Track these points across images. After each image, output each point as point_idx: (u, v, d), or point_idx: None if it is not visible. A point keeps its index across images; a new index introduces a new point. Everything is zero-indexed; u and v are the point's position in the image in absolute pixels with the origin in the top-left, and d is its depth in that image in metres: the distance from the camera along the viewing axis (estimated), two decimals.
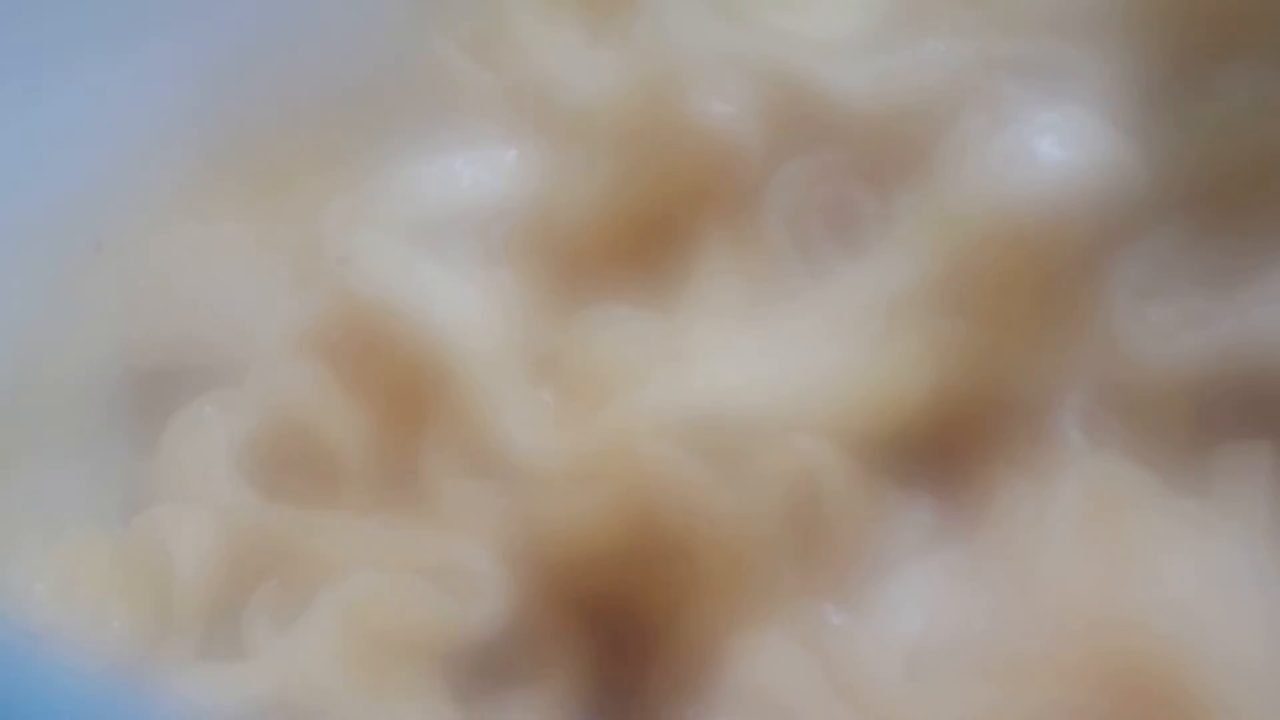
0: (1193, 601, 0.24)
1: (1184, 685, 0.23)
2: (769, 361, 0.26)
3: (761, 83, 0.27)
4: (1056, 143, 0.26)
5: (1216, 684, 0.23)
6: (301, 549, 0.27)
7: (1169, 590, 0.24)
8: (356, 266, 0.27)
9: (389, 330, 0.27)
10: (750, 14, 0.28)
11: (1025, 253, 0.26)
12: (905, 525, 0.26)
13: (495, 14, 0.31)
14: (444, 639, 0.25)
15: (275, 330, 0.28)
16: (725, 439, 0.25)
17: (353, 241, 0.28)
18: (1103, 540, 0.25)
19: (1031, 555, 0.25)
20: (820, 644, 0.25)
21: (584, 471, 0.26)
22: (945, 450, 0.26)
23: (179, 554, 0.26)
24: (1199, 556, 0.24)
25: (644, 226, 0.28)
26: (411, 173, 0.28)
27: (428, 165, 0.28)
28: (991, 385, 0.26)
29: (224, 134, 0.32)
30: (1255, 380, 0.26)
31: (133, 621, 0.26)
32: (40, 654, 0.19)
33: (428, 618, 0.25)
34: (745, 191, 0.27)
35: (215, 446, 0.28)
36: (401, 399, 0.27)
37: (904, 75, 0.27)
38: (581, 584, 0.26)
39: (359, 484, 0.27)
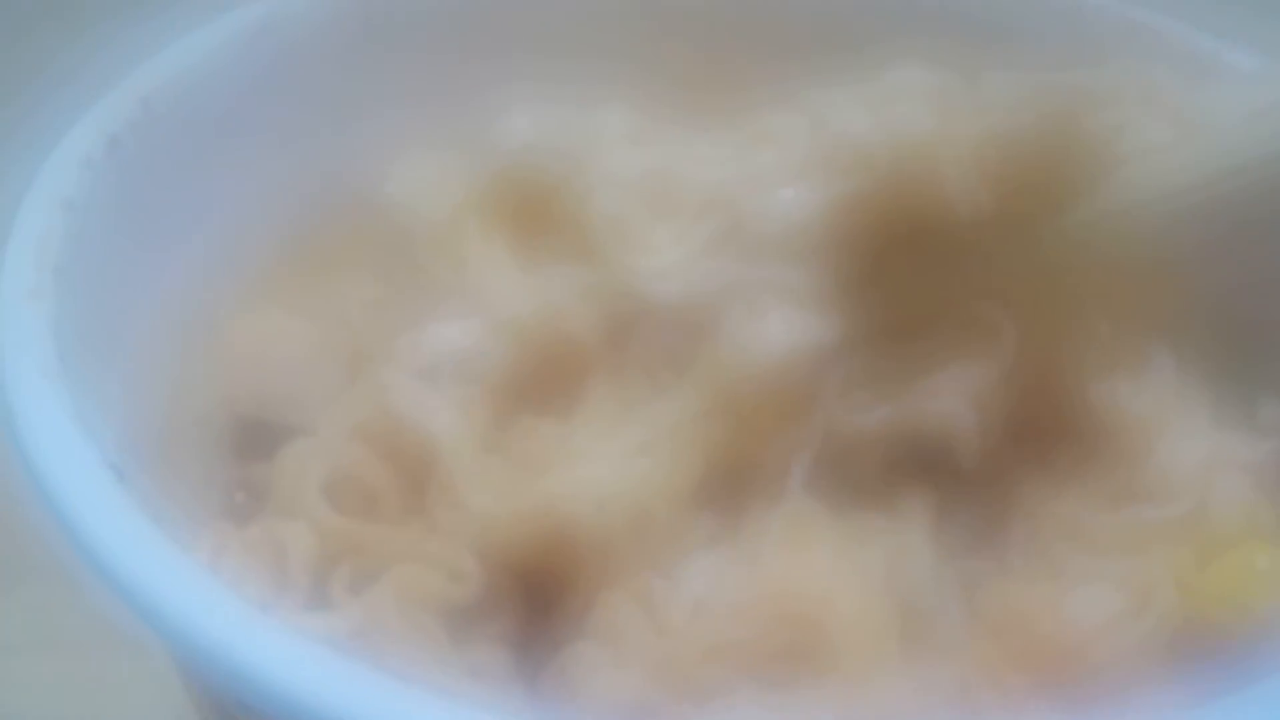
0: (836, 576, 0.31)
1: (821, 623, 0.31)
2: (620, 458, 0.33)
3: (605, 297, 0.35)
4: (781, 325, 0.34)
5: (840, 624, 0.31)
6: (362, 548, 0.32)
7: (824, 569, 0.32)
8: (383, 393, 0.34)
9: (404, 429, 0.34)
10: (607, 255, 0.36)
11: (764, 387, 0.34)
12: (698, 536, 0.33)
13: (454, 239, 0.37)
14: (444, 603, 0.32)
15: (336, 419, 0.34)
16: (596, 499, 0.32)
17: (380, 377, 0.35)
18: (794, 546, 0.32)
19: (758, 554, 0.32)
20: (646, 598, 0.31)
21: (518, 513, 0.33)
22: (723, 493, 0.34)
23: (290, 546, 0.32)
24: (849, 554, 0.32)
25: (550, 375, 0.35)
26: (415, 335, 0.35)
27: (424, 331, 0.35)
28: (748, 457, 0.34)
29: (295, 246, 0.39)
30: (920, 441, 0.34)
31: (260, 586, 0.31)
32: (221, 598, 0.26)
33: (437, 591, 0.32)
34: (605, 354, 0.35)
35: (308, 477, 0.33)
36: (412, 467, 0.34)
37: (697, 287, 0.35)
38: (518, 572, 0.33)
39: (392, 513, 0.33)
